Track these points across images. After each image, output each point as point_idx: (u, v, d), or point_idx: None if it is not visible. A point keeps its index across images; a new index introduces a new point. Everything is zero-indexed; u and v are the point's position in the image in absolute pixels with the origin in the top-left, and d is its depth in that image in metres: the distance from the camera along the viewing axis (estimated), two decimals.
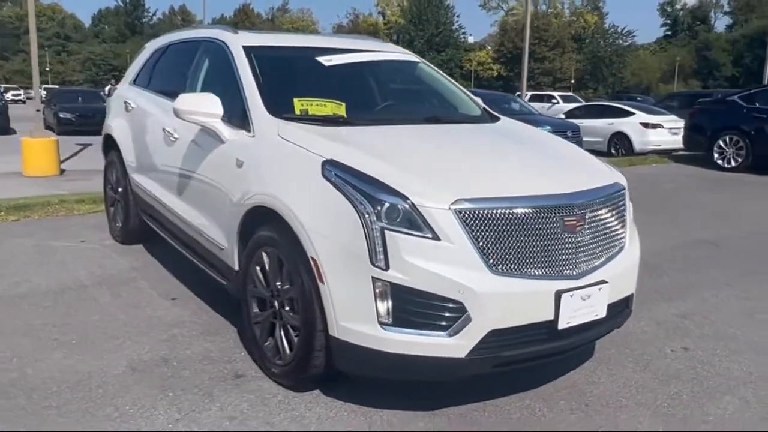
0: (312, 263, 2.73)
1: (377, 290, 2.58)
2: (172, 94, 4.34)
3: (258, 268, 3.19)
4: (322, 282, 2.70)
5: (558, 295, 2.70)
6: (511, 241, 2.66)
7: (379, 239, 2.57)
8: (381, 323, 2.60)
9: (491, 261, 2.61)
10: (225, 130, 3.49)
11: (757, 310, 4.38)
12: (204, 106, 3.49)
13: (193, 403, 2.90)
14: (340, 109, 3.57)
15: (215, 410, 2.86)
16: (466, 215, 2.60)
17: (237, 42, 3.92)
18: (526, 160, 3.26)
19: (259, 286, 3.19)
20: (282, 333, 3.06)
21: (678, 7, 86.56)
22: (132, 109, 4.94)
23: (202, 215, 3.77)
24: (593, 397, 3.11)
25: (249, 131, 3.37)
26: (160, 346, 3.50)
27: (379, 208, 2.60)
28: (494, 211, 2.64)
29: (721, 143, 11.03)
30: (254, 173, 3.20)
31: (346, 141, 3.08)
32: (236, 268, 3.43)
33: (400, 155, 2.97)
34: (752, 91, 11.41)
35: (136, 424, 2.72)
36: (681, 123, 14.30)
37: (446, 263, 2.57)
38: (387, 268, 2.57)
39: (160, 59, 4.99)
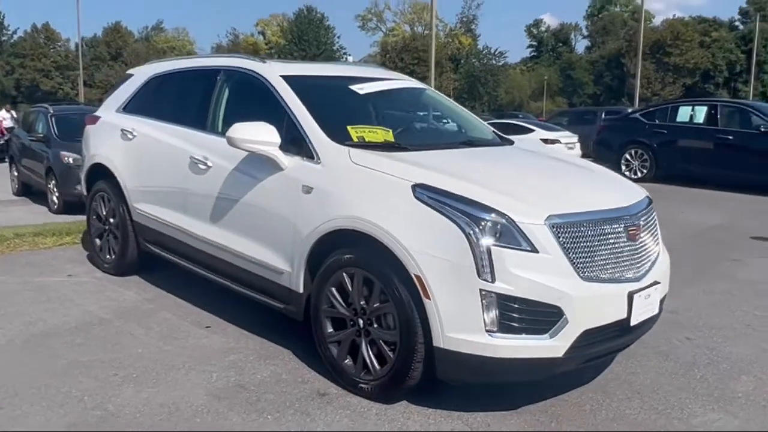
0: (416, 280, 2.94)
1: (484, 301, 2.84)
2: (191, 123, 4.39)
3: (334, 289, 3.34)
4: (428, 297, 2.91)
5: (630, 296, 3.08)
6: (593, 250, 3.01)
7: (486, 254, 2.83)
8: (488, 331, 2.85)
9: (579, 269, 2.95)
10: (284, 158, 3.60)
11: (726, 303, 5.02)
12: (261, 134, 3.58)
13: (298, 423, 3.00)
14: (388, 135, 3.79)
15: (323, 426, 2.98)
16: (558, 229, 2.92)
17: (273, 72, 4.04)
18: (575, 178, 3.65)
19: (337, 306, 3.33)
20: (368, 349, 3.22)
21: (542, 29, 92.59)
22: (134, 138, 4.85)
23: (250, 241, 3.82)
24: (641, 386, 3.51)
25: (313, 158, 3.51)
26: (227, 373, 3.52)
27: (482, 225, 2.86)
28: (578, 224, 2.99)
29: (627, 156, 12.17)
30: (330, 198, 3.34)
31: (420, 164, 3.31)
32: (300, 290, 3.54)
33: (477, 176, 3.24)
34: (651, 108, 12.73)
35: None
36: (575, 138, 15.56)
37: (544, 273, 2.87)
38: (493, 280, 2.83)
39: (163, 87, 4.94)
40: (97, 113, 5.54)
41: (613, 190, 3.50)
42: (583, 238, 2.99)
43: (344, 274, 3.28)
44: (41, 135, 10.81)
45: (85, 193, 5.53)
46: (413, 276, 2.95)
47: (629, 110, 16.33)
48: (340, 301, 3.33)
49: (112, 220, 5.17)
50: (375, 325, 3.19)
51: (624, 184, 3.72)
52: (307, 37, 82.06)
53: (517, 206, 2.94)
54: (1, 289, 4.88)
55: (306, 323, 3.59)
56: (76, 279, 5.17)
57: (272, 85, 3.94)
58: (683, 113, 11.52)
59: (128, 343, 3.90)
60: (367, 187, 3.24)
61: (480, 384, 3.24)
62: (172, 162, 4.41)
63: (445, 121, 4.69)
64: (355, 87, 4.19)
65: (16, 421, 2.98)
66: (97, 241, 5.41)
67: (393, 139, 3.77)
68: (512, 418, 3.11)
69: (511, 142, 4.35)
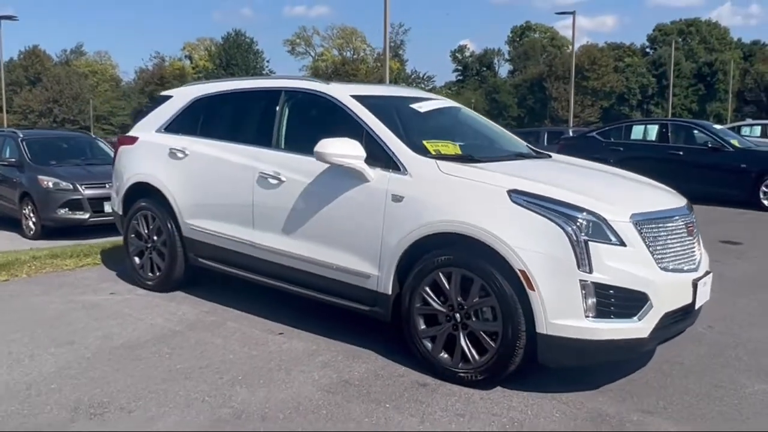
0: (520, 274, 3.31)
1: (584, 290, 3.24)
2: (254, 141, 4.63)
3: (428, 288, 3.67)
4: (532, 289, 3.29)
5: (695, 284, 3.56)
6: (666, 243, 3.49)
7: (584, 249, 3.25)
8: (587, 317, 3.25)
9: (658, 260, 3.40)
10: (369, 171, 3.91)
11: (728, 297, 5.64)
12: (349, 149, 3.89)
13: (421, 412, 3.29)
14: (457, 149, 4.18)
15: (439, 411, 3.29)
16: (640, 225, 3.38)
17: (343, 92, 4.36)
18: (630, 183, 4.13)
19: (432, 303, 3.65)
20: (467, 341, 3.56)
21: (467, 54, 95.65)
22: (185, 156, 5.02)
23: (332, 249, 4.09)
24: (690, 366, 3.99)
25: (399, 170, 3.85)
26: (326, 371, 3.77)
27: (579, 223, 3.28)
28: (655, 221, 3.46)
29: None
30: (424, 206, 3.68)
31: (505, 173, 3.71)
32: (389, 292, 3.85)
33: (558, 182, 3.66)
34: (607, 128, 13.69)
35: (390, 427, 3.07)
36: None
37: (632, 264, 3.31)
38: (591, 271, 3.24)
39: (214, 108, 5.13)
40: (131, 134, 5.64)
41: (666, 193, 4.01)
42: (659, 233, 3.46)
43: (440, 273, 3.61)
44: (12, 160, 10.59)
45: (120, 213, 5.60)
46: (517, 270, 3.32)
47: (570, 131, 17.36)
48: (435, 299, 3.65)
49: (156, 237, 5.29)
50: (473, 319, 3.53)
51: (668, 189, 4.23)
52: (235, 61, 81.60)
53: (605, 206, 3.38)
54: (52, 308, 4.90)
55: (392, 324, 3.90)
56: (121, 297, 5.24)
57: (345, 105, 4.26)
58: (637, 131, 12.49)
59: (214, 351, 4.07)
60: (463, 195, 3.60)
61: (575, 366, 3.62)
62: (236, 178, 4.62)
63: (491, 135, 5.06)
64: (414, 105, 4.57)
65: (155, 421, 3.14)
66: (137, 259, 5.49)
67: (460, 152, 4.16)
68: (599, 396, 3.50)
69: (550, 155, 4.80)
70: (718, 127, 12.81)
